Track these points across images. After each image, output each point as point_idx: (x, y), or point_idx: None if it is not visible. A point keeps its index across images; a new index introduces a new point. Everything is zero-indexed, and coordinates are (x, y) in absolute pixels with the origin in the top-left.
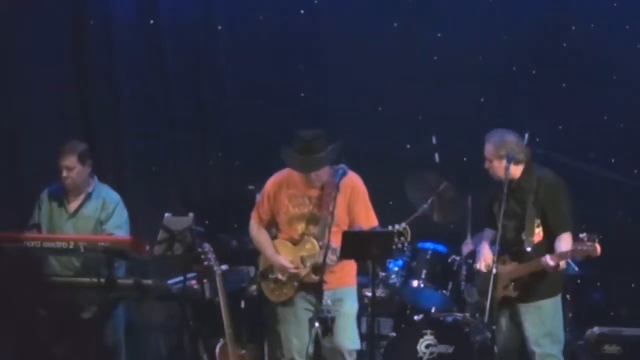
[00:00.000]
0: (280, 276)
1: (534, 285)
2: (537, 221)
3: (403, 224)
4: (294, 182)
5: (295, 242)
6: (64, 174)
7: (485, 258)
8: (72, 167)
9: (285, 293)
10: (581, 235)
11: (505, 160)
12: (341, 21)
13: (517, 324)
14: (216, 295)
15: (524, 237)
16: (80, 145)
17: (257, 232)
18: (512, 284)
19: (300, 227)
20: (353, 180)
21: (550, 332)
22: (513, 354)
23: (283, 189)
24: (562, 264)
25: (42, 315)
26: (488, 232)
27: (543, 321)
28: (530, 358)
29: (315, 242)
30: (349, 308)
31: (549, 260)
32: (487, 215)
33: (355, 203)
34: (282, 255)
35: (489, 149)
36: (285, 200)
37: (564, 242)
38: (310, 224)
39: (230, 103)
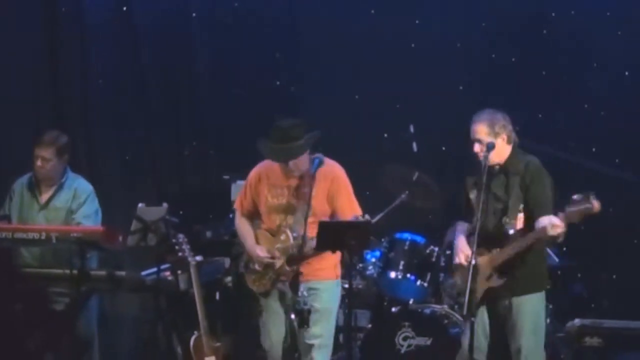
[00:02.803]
0: (257, 267)
1: (520, 277)
2: (521, 206)
3: (366, 216)
4: (274, 172)
5: (273, 233)
6: (38, 163)
7: (464, 251)
8: (48, 159)
9: (264, 284)
10: (574, 197)
11: (486, 148)
12: (317, 8)
13: (498, 319)
14: (190, 287)
15: (506, 220)
16: (61, 139)
17: (240, 223)
18: (495, 274)
19: (279, 218)
20: (334, 170)
21: (535, 330)
22: (485, 350)
23: (263, 180)
24: (559, 230)
25: (14, 307)
26: (462, 225)
27: (529, 317)
28: (514, 355)
29: (289, 233)
30: (322, 302)
31: (547, 222)
32: (465, 205)
33: (337, 193)
34: (260, 246)
35: (481, 128)
36: (265, 190)
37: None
38: (287, 215)
39: (205, 92)
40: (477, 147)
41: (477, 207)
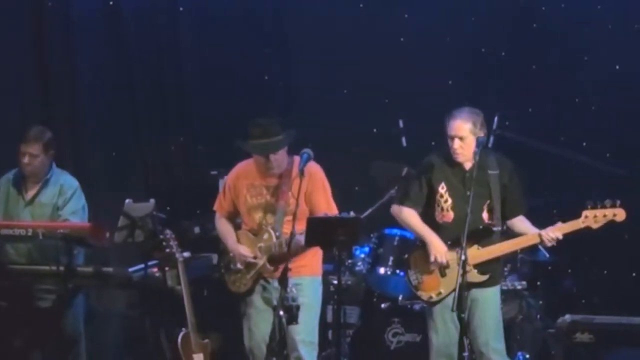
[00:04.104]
0: (239, 265)
1: (494, 270)
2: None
3: (352, 213)
4: (252, 172)
5: (255, 233)
6: (26, 160)
7: (442, 249)
8: (35, 155)
9: (245, 284)
10: (605, 203)
11: (475, 143)
12: (306, 3)
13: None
14: (178, 284)
15: (495, 218)
16: (46, 134)
17: (219, 223)
18: (475, 269)
19: (258, 217)
20: (310, 168)
21: (499, 321)
22: (453, 350)
23: (242, 180)
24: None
25: (0, 305)
26: (414, 214)
27: (495, 309)
28: (482, 345)
29: (272, 232)
30: (305, 298)
31: (552, 234)
32: (427, 193)
33: (314, 192)
34: (242, 245)
35: (466, 126)
36: (244, 190)
37: (528, 223)
38: (267, 213)
39: (193, 87)
40: (457, 144)
41: (453, 201)
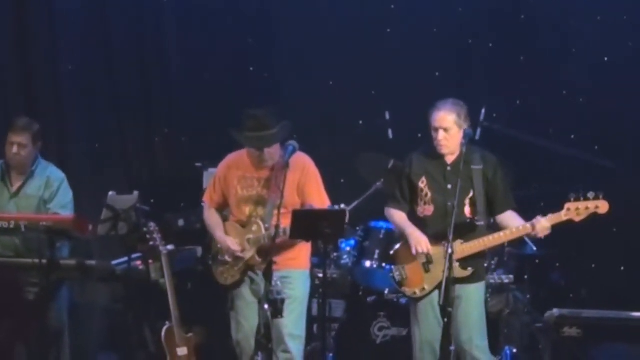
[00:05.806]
0: (227, 258)
1: (477, 266)
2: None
3: (342, 205)
4: (244, 163)
5: (243, 225)
6: (14, 150)
7: (423, 239)
8: (24, 145)
9: (233, 276)
10: (588, 195)
11: (462, 136)
12: None
13: (444, 311)
14: (162, 277)
15: (478, 212)
16: (35, 125)
17: (209, 214)
18: (458, 263)
19: (249, 209)
20: (303, 161)
21: (482, 318)
22: (436, 346)
23: (233, 171)
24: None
25: None
26: (399, 214)
27: (479, 305)
28: (465, 343)
29: (261, 224)
30: (293, 291)
31: (544, 223)
32: (409, 191)
33: (307, 185)
34: (230, 238)
35: (450, 117)
36: (234, 182)
37: (518, 218)
38: (258, 206)
39: (177, 78)
40: (441, 135)
41: (432, 194)
